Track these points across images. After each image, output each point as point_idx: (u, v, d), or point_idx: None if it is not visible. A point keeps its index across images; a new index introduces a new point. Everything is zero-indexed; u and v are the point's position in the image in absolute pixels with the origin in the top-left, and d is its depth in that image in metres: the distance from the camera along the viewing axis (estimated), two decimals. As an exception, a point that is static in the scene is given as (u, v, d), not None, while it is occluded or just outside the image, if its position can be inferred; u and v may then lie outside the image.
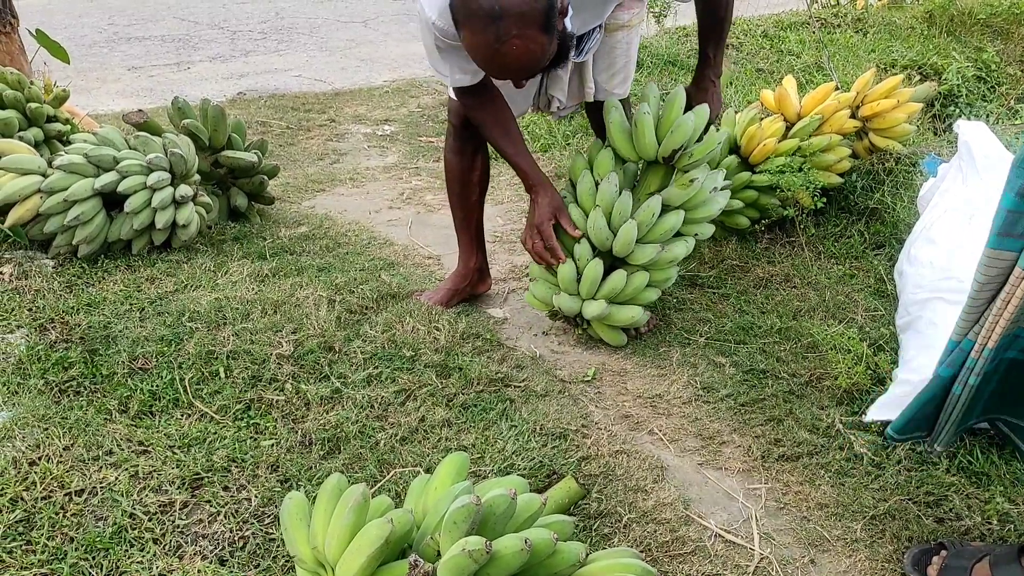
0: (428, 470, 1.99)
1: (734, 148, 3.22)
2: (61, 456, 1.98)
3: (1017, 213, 1.51)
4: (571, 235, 2.51)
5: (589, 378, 2.50)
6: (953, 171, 2.64)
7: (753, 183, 3.12)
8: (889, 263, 2.99)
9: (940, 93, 4.66)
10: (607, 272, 2.55)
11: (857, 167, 3.36)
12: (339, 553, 1.47)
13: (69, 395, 2.22)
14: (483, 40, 1.92)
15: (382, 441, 2.13)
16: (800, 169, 3.04)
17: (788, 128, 3.20)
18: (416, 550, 1.46)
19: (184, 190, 2.86)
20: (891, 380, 2.26)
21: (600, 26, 2.43)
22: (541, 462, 2.08)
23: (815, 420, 2.25)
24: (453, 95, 2.51)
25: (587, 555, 1.35)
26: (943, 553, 1.78)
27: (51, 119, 3.16)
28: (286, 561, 1.77)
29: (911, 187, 3.21)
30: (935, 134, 4.23)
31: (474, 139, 2.62)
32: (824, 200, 3.10)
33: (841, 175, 3.24)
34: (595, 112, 2.76)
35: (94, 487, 1.91)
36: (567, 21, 2.05)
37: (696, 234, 2.63)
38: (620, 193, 2.51)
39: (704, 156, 2.51)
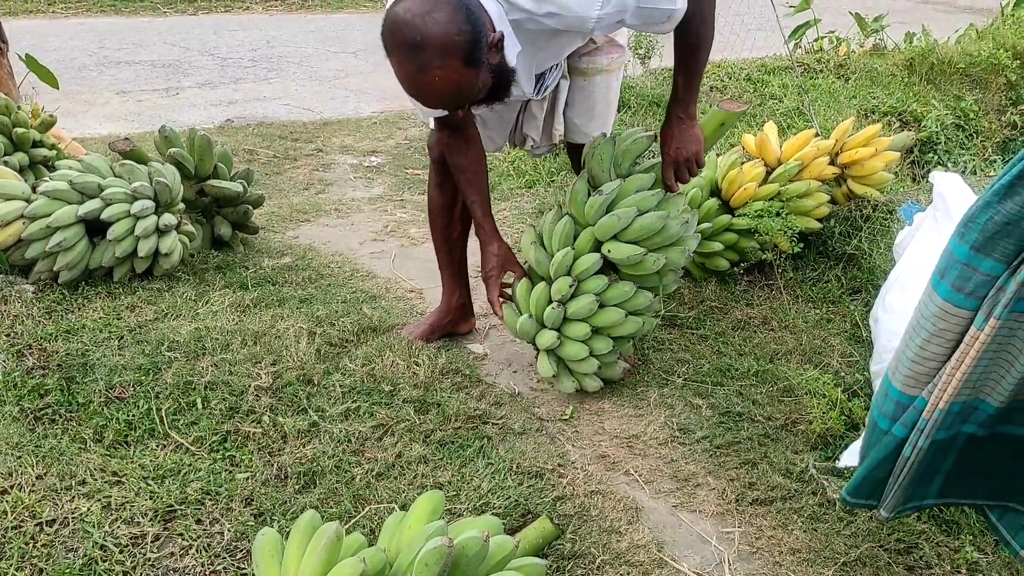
0: (403, 507, 1.99)
1: (715, 191, 3.26)
2: (33, 485, 1.97)
3: (970, 268, 1.46)
4: (500, 301, 2.57)
5: (567, 417, 2.51)
6: (928, 220, 2.69)
7: (733, 226, 3.16)
8: (865, 308, 3.03)
9: (919, 140, 4.74)
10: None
11: (836, 213, 3.41)
12: (310, 592, 1.47)
13: (44, 423, 2.21)
14: (407, 71, 1.98)
15: (358, 476, 2.13)
16: (779, 214, 3.08)
17: (768, 173, 3.25)
18: (388, 590, 1.46)
19: (168, 219, 2.86)
20: (863, 426, 2.29)
21: (558, 64, 2.47)
22: (516, 501, 2.08)
23: (789, 464, 2.27)
24: (432, 124, 2.54)
25: (558, 599, 1.35)
26: (913, 599, 1.80)
27: (37, 144, 3.17)
28: (257, 597, 1.76)
29: (888, 234, 3.25)
30: (914, 181, 4.30)
31: None
32: (802, 245, 3.14)
33: (820, 220, 3.29)
34: (575, 152, 2.80)
35: (66, 517, 1.90)
36: (510, 56, 2.09)
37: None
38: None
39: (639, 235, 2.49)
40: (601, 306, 2.48)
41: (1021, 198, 1.38)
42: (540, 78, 2.43)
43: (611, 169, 2.54)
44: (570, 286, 2.46)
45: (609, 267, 2.54)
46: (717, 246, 3.16)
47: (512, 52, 2.10)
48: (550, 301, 2.50)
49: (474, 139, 2.47)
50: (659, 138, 2.56)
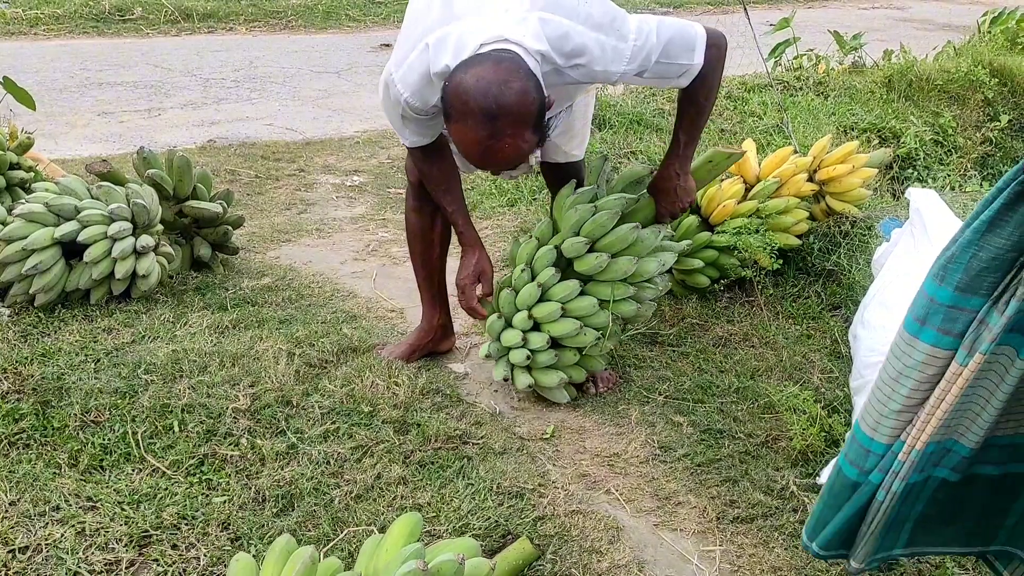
0: (382, 529, 1.97)
1: (695, 209, 3.27)
2: (6, 511, 1.95)
3: (957, 310, 1.43)
4: (484, 299, 2.59)
5: (548, 436, 2.50)
6: (906, 236, 2.70)
7: (713, 243, 3.18)
8: (845, 324, 3.04)
9: (898, 156, 4.79)
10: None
11: (815, 229, 3.43)
12: (285, 618, 1.45)
13: (18, 448, 2.18)
14: (476, 137, 1.98)
15: (337, 499, 2.11)
16: (758, 230, 3.10)
17: (747, 190, 3.27)
18: (363, 615, 1.44)
19: (146, 240, 2.85)
20: (844, 442, 2.29)
21: (569, 107, 2.49)
22: (496, 522, 2.07)
23: (770, 481, 2.27)
24: (406, 143, 2.55)
25: (534, 622, 1.34)
26: (892, 619, 1.79)
27: (14, 167, 3.15)
28: (233, 623, 1.73)
29: (867, 250, 3.28)
30: (894, 196, 4.34)
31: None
32: (781, 261, 3.16)
33: (799, 237, 3.31)
34: (550, 172, 2.82)
35: (39, 544, 1.87)
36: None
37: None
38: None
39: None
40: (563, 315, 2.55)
41: (1007, 231, 1.38)
42: (550, 120, 2.44)
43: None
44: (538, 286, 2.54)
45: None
46: (697, 263, 3.17)
47: None
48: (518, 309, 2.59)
49: (445, 149, 2.48)
50: (654, 190, 2.58)
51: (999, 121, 5.72)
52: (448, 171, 2.50)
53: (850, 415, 2.48)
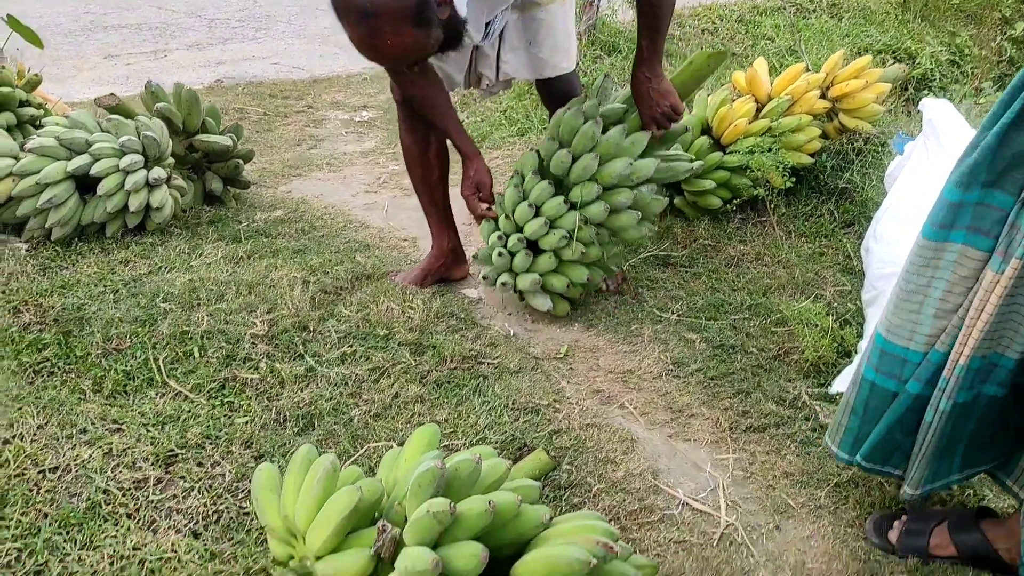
0: (401, 444, 2.02)
1: (706, 129, 3.25)
2: (35, 435, 1.99)
3: (984, 206, 1.45)
4: (485, 210, 2.63)
5: (562, 355, 2.53)
6: (919, 148, 2.68)
7: (725, 163, 3.16)
8: (858, 241, 3.03)
9: (914, 77, 4.71)
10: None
11: (827, 147, 3.40)
12: (309, 521, 1.49)
13: (43, 375, 2.23)
14: (358, 36, 1.98)
15: (356, 417, 2.15)
16: (770, 149, 3.07)
17: (759, 109, 3.23)
18: (386, 518, 1.48)
19: (157, 173, 2.86)
20: (855, 352, 2.31)
21: (506, 9, 2.46)
22: (512, 435, 2.11)
23: (782, 392, 2.29)
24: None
25: (551, 518, 1.38)
26: (904, 518, 1.83)
27: (23, 104, 3.15)
28: (260, 533, 1.79)
29: (880, 166, 3.25)
30: (908, 116, 4.28)
31: (424, 115, 2.66)
32: (794, 180, 3.14)
33: (812, 155, 3.28)
34: (543, 88, 2.82)
35: (68, 464, 1.92)
36: (459, 7, 2.08)
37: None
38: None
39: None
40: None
41: None
42: (488, 24, 2.42)
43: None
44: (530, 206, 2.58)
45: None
46: (709, 184, 3.15)
47: (462, 2, 2.09)
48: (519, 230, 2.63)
49: (428, 69, 2.47)
50: (634, 100, 2.57)
51: (1015, 29, 5.57)
52: (432, 89, 2.49)
53: (862, 327, 2.49)
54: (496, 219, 2.66)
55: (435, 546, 1.27)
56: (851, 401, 1.74)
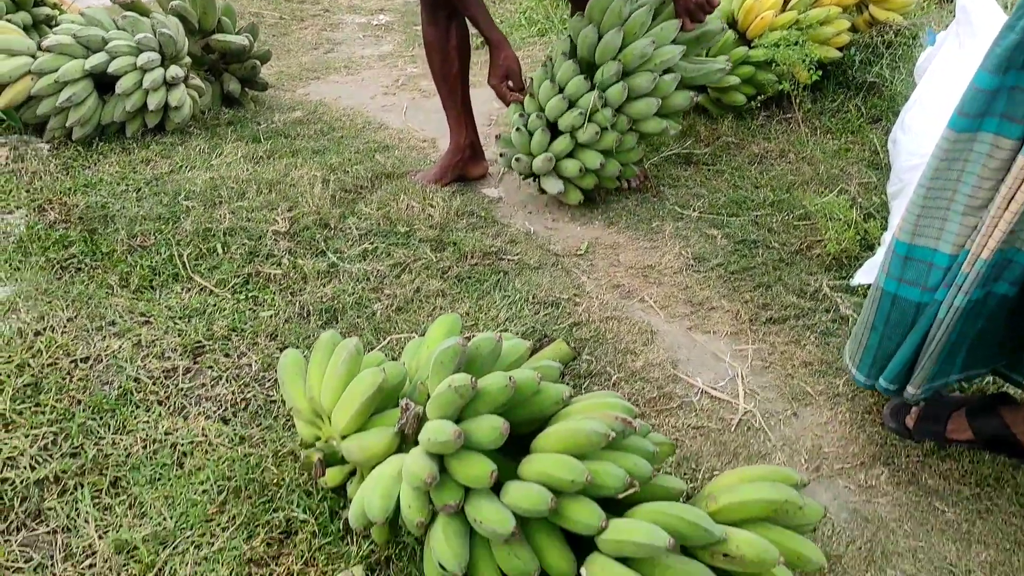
0: (423, 336, 2.04)
1: (731, 23, 3.16)
2: (65, 327, 2.04)
3: (1020, 90, 1.38)
4: (516, 96, 2.63)
5: (582, 251, 2.53)
6: (951, 38, 2.60)
7: (750, 58, 3.08)
8: (885, 136, 2.97)
9: (948, -31, 4.53)
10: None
11: (856, 41, 3.30)
12: (334, 402, 1.53)
13: (70, 271, 2.26)
14: None
15: (378, 311, 2.18)
16: (797, 43, 2.99)
17: (786, 1, 3.13)
18: (409, 399, 1.51)
19: (175, 71, 2.84)
20: (879, 245, 2.29)
21: None
22: (533, 327, 2.13)
23: (803, 285, 2.29)
24: None
25: (570, 396, 1.40)
26: (921, 404, 1.84)
27: (39, 3, 3.12)
28: (287, 419, 1.83)
29: (910, 59, 3.16)
30: (940, 7, 4.14)
31: (446, 6, 2.61)
32: (820, 74, 3.07)
33: (839, 49, 3.20)
34: None
35: (99, 355, 1.97)
36: None
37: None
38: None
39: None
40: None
41: None
42: None
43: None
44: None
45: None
46: (734, 80, 3.09)
47: None
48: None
49: None
50: None
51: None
52: None
53: (886, 220, 2.46)
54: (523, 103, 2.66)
55: (457, 421, 1.30)
56: (870, 318, 1.69)
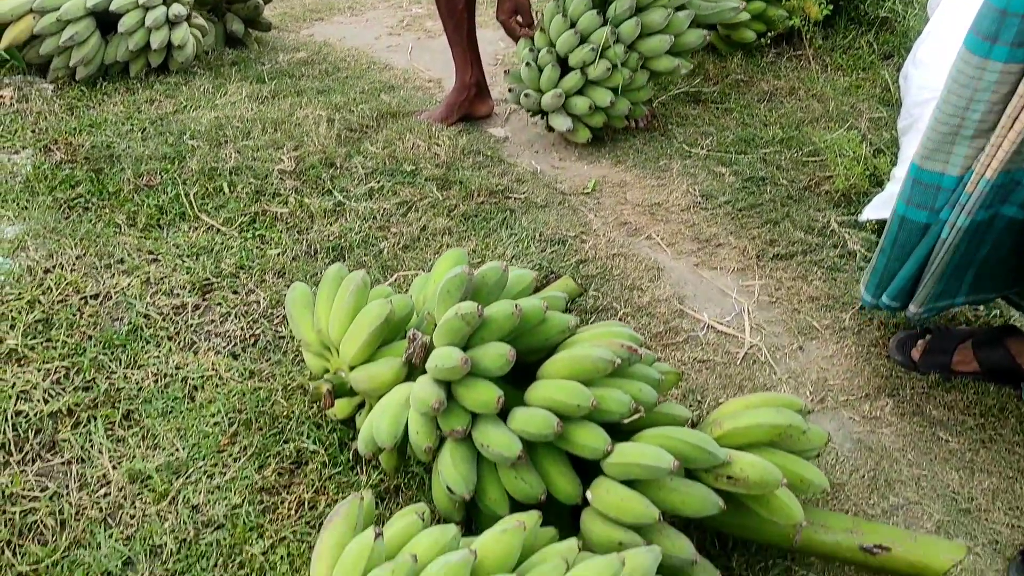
0: (430, 272, 2.05)
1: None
2: (74, 264, 2.05)
3: None
4: (525, 32, 2.63)
5: (589, 190, 2.51)
6: (965, -30, 2.54)
7: (760, -7, 3.03)
8: (897, 72, 2.94)
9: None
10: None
11: (869, -25, 3.24)
12: (341, 333, 1.54)
13: (78, 210, 2.26)
14: None
15: (385, 249, 2.18)
16: (808, -24, 2.94)
17: (798, -66, 3.07)
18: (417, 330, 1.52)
19: (177, 9, 2.81)
20: (888, 181, 2.27)
21: None
22: (540, 264, 2.13)
23: (811, 221, 2.28)
24: None
25: (576, 325, 1.41)
26: (928, 337, 1.84)
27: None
28: (296, 354, 1.85)
29: (924, -6, 3.11)
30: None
31: None
32: (831, 9, 3.01)
33: (852, -16, 3.14)
34: None
35: (108, 292, 1.98)
36: None
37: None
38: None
39: None
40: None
41: None
42: None
43: None
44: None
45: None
46: (744, 16, 3.04)
47: None
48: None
49: None
50: None
51: None
52: None
53: (896, 156, 2.44)
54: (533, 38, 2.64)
55: (464, 349, 1.31)
56: (882, 242, 1.69)
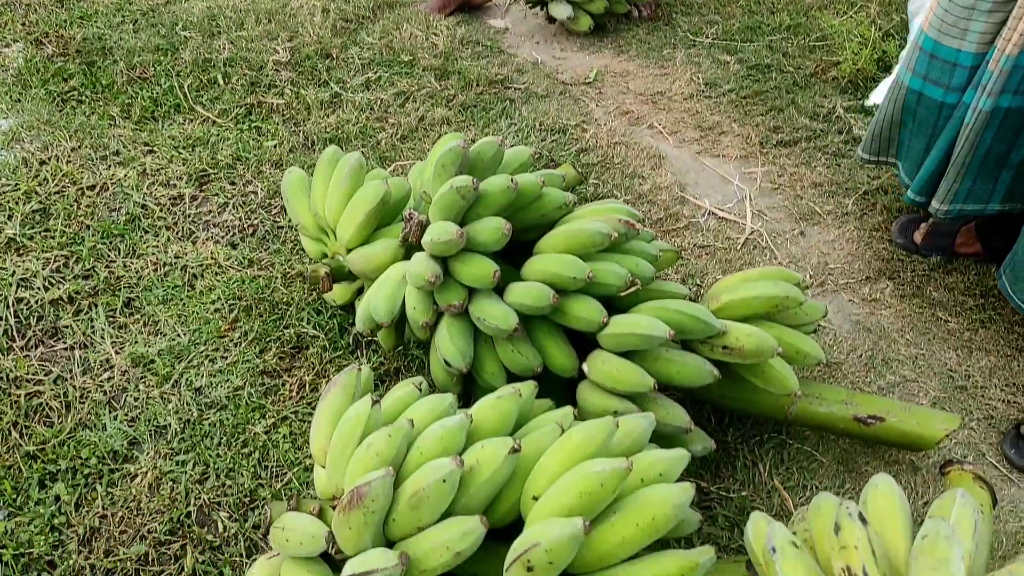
0: (428, 161, 2.03)
1: None
2: (70, 156, 2.03)
3: None
4: None
5: (590, 80, 2.46)
6: None
7: None
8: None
9: None
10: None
11: None
12: (338, 215, 1.53)
13: (71, 103, 2.23)
14: None
15: (382, 140, 2.15)
16: None
17: None
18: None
19: None
20: (897, 64, 2.22)
21: None
22: (541, 153, 2.10)
23: (816, 108, 2.23)
24: None
25: (574, 202, 1.39)
26: (931, 220, 1.82)
27: None
28: (295, 244, 1.84)
29: None
30: None
31: None
32: None
33: None
34: None
35: (104, 183, 1.96)
36: None
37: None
38: None
39: None
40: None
41: None
42: None
43: None
44: None
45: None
46: (752, -102, 2.92)
47: None
48: None
49: None
50: None
51: None
52: None
53: (905, 40, 2.38)
54: None
55: (461, 225, 1.30)
56: (893, 114, 1.65)
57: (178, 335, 1.62)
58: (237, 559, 1.31)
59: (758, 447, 1.43)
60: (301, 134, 2.16)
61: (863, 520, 0.83)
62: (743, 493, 1.37)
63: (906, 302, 1.71)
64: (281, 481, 1.41)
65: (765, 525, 0.93)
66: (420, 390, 1.18)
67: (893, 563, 0.84)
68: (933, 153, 1.61)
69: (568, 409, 1.12)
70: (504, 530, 1.02)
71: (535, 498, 0.99)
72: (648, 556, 0.95)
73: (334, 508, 1.05)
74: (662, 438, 1.21)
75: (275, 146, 2.12)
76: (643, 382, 1.17)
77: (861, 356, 1.60)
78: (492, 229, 1.25)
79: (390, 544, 1.00)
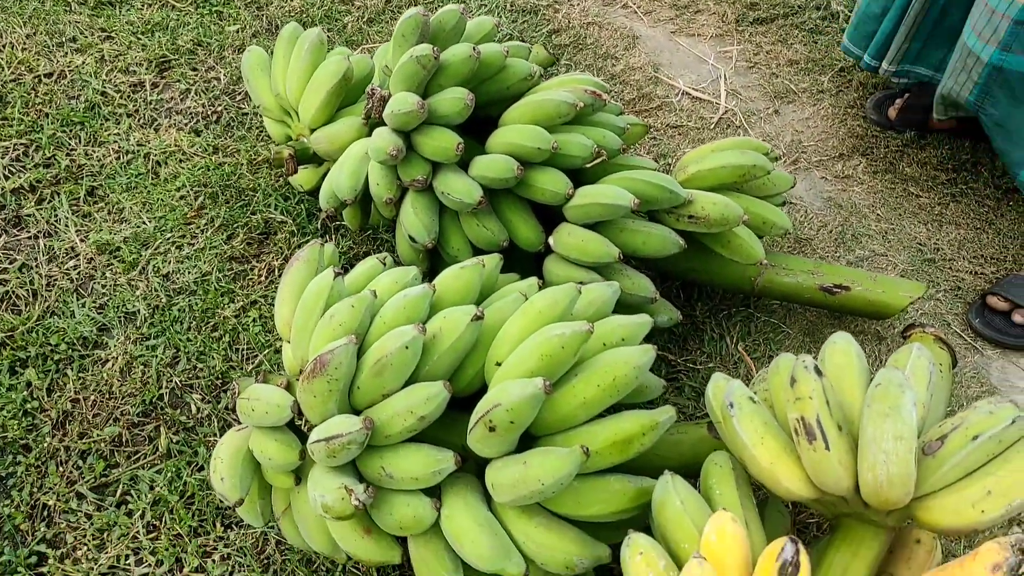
0: (395, 44, 1.97)
1: None
2: (24, 43, 1.96)
3: None
4: None
5: (564, -41, 2.38)
6: None
7: None
8: None
9: None
10: None
11: None
12: (299, 93, 1.49)
13: (23, -11, 2.14)
14: None
15: (349, 24, 2.09)
16: None
17: None
18: (376, 89, 1.47)
19: None
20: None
21: None
22: (510, 35, 2.05)
23: (794, -16, 2.18)
24: None
25: (539, 73, 1.36)
26: (906, 95, 1.80)
27: None
28: (260, 130, 1.81)
29: None
30: None
31: None
32: None
33: None
34: None
35: (62, 70, 1.90)
36: None
37: None
38: None
39: None
40: None
41: None
42: None
43: None
44: None
45: None
46: None
47: None
48: None
49: None
50: None
51: None
52: None
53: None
54: None
55: (423, 96, 1.27)
56: None
57: (143, 222, 1.60)
58: (211, 439, 1.32)
59: (726, 320, 1.44)
60: (264, 18, 2.09)
61: (819, 372, 0.84)
62: (710, 365, 1.39)
63: (878, 178, 1.71)
64: (252, 363, 1.42)
65: (724, 383, 0.94)
66: (384, 264, 1.17)
67: (848, 414, 0.86)
68: (890, 14, 1.61)
69: (533, 280, 1.12)
70: (470, 399, 1.03)
71: (498, 364, 0.99)
72: (609, 416, 0.96)
73: (299, 379, 1.05)
74: (627, 308, 1.21)
75: (237, 31, 2.05)
76: (608, 252, 1.17)
77: (831, 231, 1.60)
78: (454, 100, 1.22)
79: (356, 413, 1.00)
